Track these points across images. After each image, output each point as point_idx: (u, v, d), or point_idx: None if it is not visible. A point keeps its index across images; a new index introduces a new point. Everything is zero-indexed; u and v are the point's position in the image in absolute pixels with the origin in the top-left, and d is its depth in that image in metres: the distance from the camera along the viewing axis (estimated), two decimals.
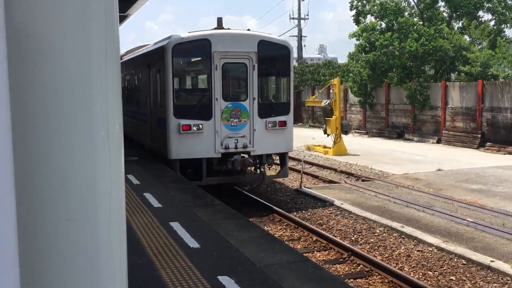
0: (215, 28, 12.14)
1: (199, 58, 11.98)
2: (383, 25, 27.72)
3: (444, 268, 7.68)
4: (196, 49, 11.66)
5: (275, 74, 12.84)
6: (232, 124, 11.47)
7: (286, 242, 7.88)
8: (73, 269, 1.32)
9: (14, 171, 1.20)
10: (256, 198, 12.06)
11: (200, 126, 11.24)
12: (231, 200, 11.13)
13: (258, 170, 12.37)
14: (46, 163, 1.27)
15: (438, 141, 23.68)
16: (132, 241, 5.70)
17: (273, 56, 12.26)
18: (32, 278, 1.27)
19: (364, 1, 28.53)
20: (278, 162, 13.18)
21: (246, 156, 11.70)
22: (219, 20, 12.31)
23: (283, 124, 11.92)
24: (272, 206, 11.32)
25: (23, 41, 1.22)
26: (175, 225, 6.27)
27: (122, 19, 21.53)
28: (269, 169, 13.25)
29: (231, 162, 11.42)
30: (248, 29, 12.61)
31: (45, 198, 1.28)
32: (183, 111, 11.34)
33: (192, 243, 5.54)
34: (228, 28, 12.26)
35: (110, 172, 1.36)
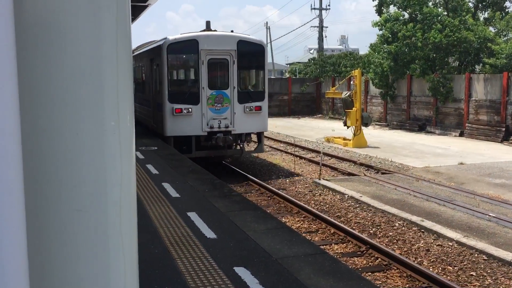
0: (203, 30, 14.91)
1: (189, 55, 14.58)
2: (406, 15, 27.25)
3: (464, 263, 7.56)
4: (187, 48, 14.28)
5: (252, 67, 15.50)
6: (216, 108, 14.12)
7: (303, 234, 7.85)
8: (83, 259, 1.32)
9: (24, 161, 1.19)
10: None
11: (190, 109, 13.88)
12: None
13: (238, 146, 15.03)
14: (56, 152, 1.26)
15: (461, 134, 23.28)
16: (149, 231, 5.75)
17: (250, 53, 14.72)
18: (41, 267, 1.26)
19: None
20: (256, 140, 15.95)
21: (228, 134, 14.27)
22: (207, 23, 15.24)
23: (259, 108, 14.70)
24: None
25: (33, 29, 1.20)
26: (193, 215, 6.29)
27: (143, 9, 21.57)
28: (248, 146, 15.98)
29: (215, 139, 14.03)
30: (232, 31, 15.19)
31: (55, 188, 1.27)
32: (176, 97, 13.94)
33: (209, 234, 5.55)
34: (215, 30, 14.96)
35: (121, 163, 1.34)
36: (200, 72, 13.92)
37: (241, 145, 14.94)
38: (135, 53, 20.11)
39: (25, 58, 1.20)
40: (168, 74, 14.17)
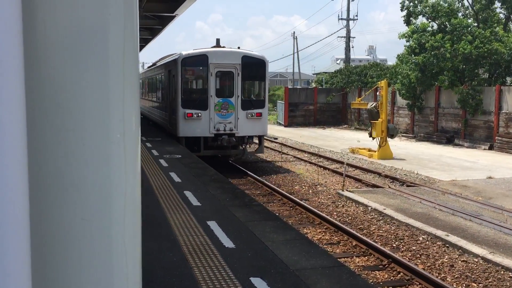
0: (213, 47, 17.27)
1: (200, 68, 16.70)
2: (435, 26, 26.91)
3: (490, 280, 7.36)
4: (198, 61, 16.53)
5: (254, 79, 17.35)
6: (222, 114, 16.22)
7: (323, 246, 7.78)
8: (87, 267, 1.34)
9: (30, 169, 1.23)
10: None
11: (199, 114, 16.10)
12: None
13: (241, 147, 17.02)
14: (62, 162, 1.30)
15: (490, 148, 22.75)
16: (169, 238, 5.80)
17: (252, 66, 16.74)
18: (44, 274, 1.29)
19: (416, 2, 27.80)
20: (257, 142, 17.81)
21: (232, 137, 16.36)
22: (217, 40, 17.55)
23: (260, 114, 16.66)
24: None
25: (40, 40, 1.24)
26: (212, 224, 6.32)
27: (171, 19, 21.95)
28: (249, 147, 17.83)
29: (220, 140, 16.11)
30: (238, 47, 17.66)
31: (61, 197, 1.31)
32: (188, 103, 16.20)
33: (228, 243, 5.56)
34: (223, 47, 17.37)
35: (126, 174, 1.37)
36: (209, 82, 16.18)
37: (244, 146, 17.03)
38: (157, 65, 22.84)
39: (32, 69, 1.24)
40: (181, 83, 16.43)
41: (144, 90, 27.44)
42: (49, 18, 1.25)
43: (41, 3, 1.24)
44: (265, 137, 18.27)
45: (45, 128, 1.27)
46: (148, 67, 28.84)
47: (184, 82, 16.74)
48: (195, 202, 7.70)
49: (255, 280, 4.45)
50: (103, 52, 1.30)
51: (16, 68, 1.16)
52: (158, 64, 22.58)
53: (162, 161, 12.16)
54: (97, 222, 1.34)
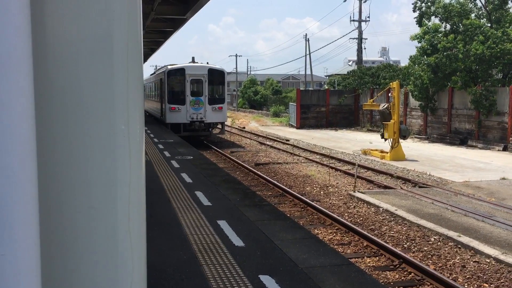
0: (190, 62, 25.95)
1: (180, 76, 24.55)
2: (448, 27, 26.73)
3: (502, 281, 7.31)
4: (178, 72, 24.62)
5: (217, 84, 25.26)
6: (195, 107, 24.12)
7: (335, 246, 7.79)
8: (93, 255, 1.40)
9: (39, 161, 1.29)
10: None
11: (180, 108, 24.11)
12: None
13: (208, 130, 25.29)
14: (69, 153, 1.36)
15: (504, 149, 22.52)
16: (180, 237, 5.87)
17: (215, 75, 24.95)
18: (51, 262, 1.35)
19: (429, 3, 27.65)
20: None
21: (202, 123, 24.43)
22: (193, 58, 26.51)
23: (221, 108, 24.63)
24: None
25: (48, 38, 1.31)
26: (222, 224, 6.37)
27: (182, 21, 22.22)
28: (214, 130, 26.13)
29: (194, 125, 24.27)
30: (207, 62, 26.32)
31: (69, 186, 1.37)
32: (172, 100, 24.34)
33: (237, 242, 5.61)
34: (197, 62, 26.17)
35: (130, 164, 1.43)
36: (186, 86, 24.20)
37: (210, 129, 25.39)
38: (155, 73, 32.72)
39: (40, 66, 1.31)
40: (167, 87, 24.56)
41: (146, 92, 35.94)
42: (57, 20, 1.32)
43: (49, 6, 1.31)
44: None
45: (53, 121, 1.34)
46: (150, 74, 38.99)
47: (169, 86, 24.66)
48: (205, 202, 7.77)
49: (264, 278, 4.49)
50: (108, 48, 1.37)
51: (26, 65, 1.23)
52: (155, 74, 33.29)
53: (173, 162, 12.26)
54: (103, 211, 1.40)
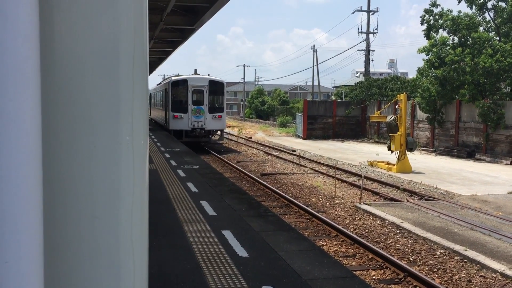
0: (192, 74, 28.39)
1: (182, 87, 26.61)
2: (456, 40, 26.72)
3: None
4: (181, 83, 26.75)
5: (217, 94, 27.23)
6: (196, 116, 26.10)
7: (337, 258, 7.76)
8: (96, 263, 1.42)
9: (44, 170, 1.32)
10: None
11: (182, 115, 26.08)
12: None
13: (208, 137, 27.30)
14: (74, 163, 1.38)
15: None
16: (184, 247, 5.87)
17: (215, 86, 26.93)
18: (56, 269, 1.37)
19: (437, 16, 27.68)
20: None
21: (202, 130, 26.53)
22: (195, 70, 29.03)
23: (220, 116, 26.65)
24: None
25: (55, 49, 1.34)
26: (227, 234, 6.37)
27: (191, 31, 22.42)
28: (213, 137, 28.21)
29: (195, 131, 26.27)
30: (208, 74, 28.82)
31: (73, 195, 1.39)
32: (175, 109, 26.31)
33: (241, 252, 5.60)
34: (198, 74, 28.54)
35: (134, 174, 1.45)
36: (188, 96, 26.28)
37: (210, 136, 27.61)
38: (161, 84, 35.08)
39: (47, 75, 1.33)
40: (171, 96, 26.61)
41: (152, 101, 38.89)
42: (65, 28, 1.35)
43: (57, 18, 1.34)
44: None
45: (59, 131, 1.36)
46: (157, 84, 41.09)
47: (173, 96, 26.70)
48: (210, 211, 7.78)
49: None
50: (115, 61, 1.39)
51: (34, 76, 1.26)
52: (160, 84, 35.34)
53: (180, 171, 12.29)
54: (106, 220, 1.42)
